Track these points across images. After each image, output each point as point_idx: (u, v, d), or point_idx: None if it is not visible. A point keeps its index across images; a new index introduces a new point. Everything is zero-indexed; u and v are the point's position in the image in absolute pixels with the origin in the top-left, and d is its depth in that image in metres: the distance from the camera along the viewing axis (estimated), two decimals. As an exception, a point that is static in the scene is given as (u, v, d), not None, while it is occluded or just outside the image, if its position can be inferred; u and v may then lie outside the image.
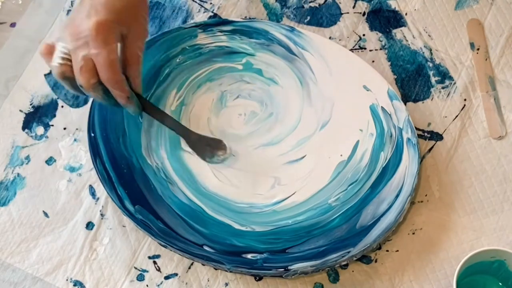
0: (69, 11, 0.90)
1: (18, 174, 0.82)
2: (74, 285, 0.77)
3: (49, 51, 0.71)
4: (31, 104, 0.86)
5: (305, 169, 0.79)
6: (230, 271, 0.75)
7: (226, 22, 0.85)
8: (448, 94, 0.83)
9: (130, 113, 0.75)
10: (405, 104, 0.81)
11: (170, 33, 0.85)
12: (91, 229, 0.79)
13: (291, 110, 0.82)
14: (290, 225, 0.76)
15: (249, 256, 0.74)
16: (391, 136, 0.79)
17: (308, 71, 0.83)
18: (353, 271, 0.76)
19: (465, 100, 0.83)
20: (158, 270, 0.78)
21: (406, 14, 0.87)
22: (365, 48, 0.86)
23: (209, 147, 0.79)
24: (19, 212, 0.81)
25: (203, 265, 0.77)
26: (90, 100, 0.84)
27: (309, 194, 0.78)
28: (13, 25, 0.90)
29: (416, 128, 0.80)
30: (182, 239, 0.75)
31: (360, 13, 0.88)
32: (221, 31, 0.85)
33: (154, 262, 0.78)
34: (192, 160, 0.80)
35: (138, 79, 0.73)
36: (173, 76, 0.83)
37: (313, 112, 0.82)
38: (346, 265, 0.76)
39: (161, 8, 0.89)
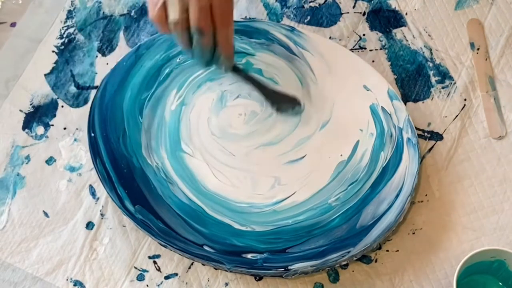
0: (69, 11, 0.90)
1: (18, 174, 0.82)
2: (74, 285, 0.77)
3: (163, 14, 0.69)
4: (31, 104, 0.86)
5: (305, 169, 0.79)
6: (230, 271, 0.75)
7: (226, 22, 0.85)
8: (448, 94, 0.83)
9: (221, 69, 0.76)
10: (405, 104, 0.81)
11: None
12: (91, 229, 0.80)
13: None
14: (290, 225, 0.76)
15: (249, 256, 0.74)
16: (391, 136, 0.79)
17: (308, 71, 0.83)
18: (353, 271, 0.76)
19: (465, 100, 0.83)
20: (158, 270, 0.78)
21: (406, 14, 0.87)
22: (365, 48, 0.86)
23: (283, 99, 0.80)
24: (19, 212, 0.81)
25: (203, 265, 0.77)
26: (91, 100, 0.84)
27: (309, 194, 0.78)
28: (13, 25, 0.90)
29: (416, 128, 0.80)
30: (182, 239, 0.75)
31: (360, 13, 0.88)
32: (221, 31, 0.85)
33: (154, 262, 0.78)
34: (192, 160, 0.80)
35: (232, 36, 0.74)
36: (173, 76, 0.84)
37: (313, 112, 0.82)
38: (346, 265, 0.76)
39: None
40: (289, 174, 0.79)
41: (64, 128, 0.84)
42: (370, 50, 0.86)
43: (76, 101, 0.86)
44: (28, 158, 0.83)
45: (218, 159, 0.80)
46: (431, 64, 0.84)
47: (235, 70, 0.78)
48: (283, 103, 0.80)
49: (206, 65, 0.75)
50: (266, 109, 0.82)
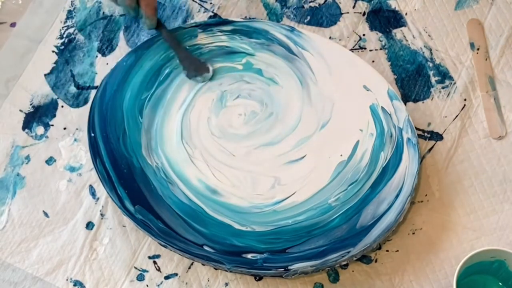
0: (69, 11, 0.90)
1: (18, 174, 0.82)
2: (74, 285, 0.77)
3: None
4: (31, 104, 0.86)
5: (305, 169, 0.79)
6: (230, 271, 0.75)
7: (226, 22, 0.85)
8: (448, 94, 0.83)
9: (145, 26, 0.84)
10: (405, 104, 0.81)
11: (170, 33, 0.85)
12: (91, 229, 0.80)
13: (291, 110, 0.82)
14: (290, 225, 0.76)
15: (249, 256, 0.74)
16: (391, 136, 0.79)
17: (308, 71, 0.83)
18: (353, 271, 0.76)
19: (465, 100, 0.83)
20: (158, 270, 0.78)
21: (406, 14, 0.87)
22: (365, 48, 0.86)
23: (193, 66, 0.84)
24: (19, 212, 0.81)
25: (203, 265, 0.77)
26: (90, 100, 0.84)
27: (309, 194, 0.78)
28: (13, 25, 0.90)
29: (416, 128, 0.80)
30: (182, 239, 0.75)
31: (360, 13, 0.88)
32: (221, 31, 0.85)
33: (154, 262, 0.78)
34: (192, 160, 0.80)
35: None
36: (173, 76, 0.84)
37: (313, 112, 0.82)
38: (346, 265, 0.76)
39: (161, 8, 0.89)
40: (289, 174, 0.79)
41: (64, 128, 0.84)
42: (370, 50, 0.86)
43: (76, 101, 0.86)
44: (28, 158, 0.83)
45: (218, 159, 0.80)
46: (431, 64, 0.84)
47: (158, 28, 0.84)
48: (194, 68, 0.83)
49: (134, 19, 0.87)
50: (266, 109, 0.82)
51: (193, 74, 0.83)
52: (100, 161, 0.78)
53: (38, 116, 0.85)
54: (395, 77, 0.84)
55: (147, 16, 0.82)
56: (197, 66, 0.83)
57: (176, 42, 0.84)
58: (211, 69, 0.83)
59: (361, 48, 0.86)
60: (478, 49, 0.85)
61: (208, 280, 0.77)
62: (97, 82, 0.86)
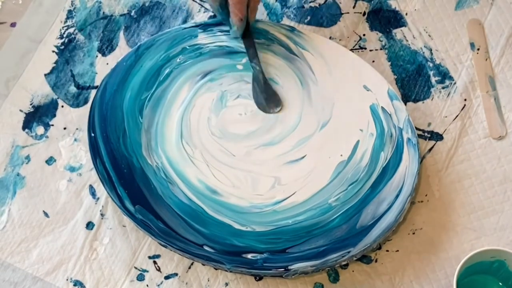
0: (69, 11, 0.90)
1: (18, 174, 0.82)
2: (74, 285, 0.77)
3: None
4: (31, 104, 0.86)
5: (305, 169, 0.79)
6: (230, 271, 0.75)
7: (226, 22, 0.85)
8: (448, 94, 0.83)
9: (231, 33, 0.82)
10: (405, 104, 0.81)
11: (170, 33, 0.85)
12: (91, 229, 0.80)
13: (291, 110, 0.82)
14: (290, 225, 0.76)
15: (249, 256, 0.74)
16: (391, 136, 0.79)
17: (308, 71, 0.83)
18: (353, 271, 0.76)
19: (465, 100, 0.83)
20: (158, 270, 0.78)
21: (406, 14, 0.87)
22: (365, 48, 0.86)
23: (265, 95, 0.82)
24: (19, 212, 0.81)
25: (203, 265, 0.77)
26: (91, 99, 0.84)
27: (309, 194, 0.78)
28: (13, 25, 0.90)
29: (416, 128, 0.80)
30: (182, 239, 0.75)
31: (360, 13, 0.88)
32: (221, 31, 0.85)
33: (154, 262, 0.78)
34: (192, 160, 0.80)
35: (254, 12, 0.81)
36: (173, 76, 0.83)
37: (313, 112, 0.82)
38: (346, 265, 0.76)
39: (161, 8, 0.89)
40: (289, 174, 0.79)
41: (64, 128, 0.84)
42: (370, 50, 0.86)
43: (76, 101, 0.86)
44: (28, 158, 0.83)
45: (218, 159, 0.80)
46: (431, 64, 0.84)
47: (245, 37, 0.82)
48: (263, 95, 0.82)
49: (223, 21, 0.83)
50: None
51: (263, 103, 0.81)
52: (100, 161, 0.78)
53: (38, 116, 0.85)
54: (395, 77, 0.84)
55: (233, 20, 0.80)
56: (269, 96, 0.81)
57: (261, 70, 0.82)
58: (281, 102, 0.81)
59: (361, 48, 0.86)
60: (478, 49, 0.85)
61: (208, 280, 0.77)
62: (97, 82, 0.86)
